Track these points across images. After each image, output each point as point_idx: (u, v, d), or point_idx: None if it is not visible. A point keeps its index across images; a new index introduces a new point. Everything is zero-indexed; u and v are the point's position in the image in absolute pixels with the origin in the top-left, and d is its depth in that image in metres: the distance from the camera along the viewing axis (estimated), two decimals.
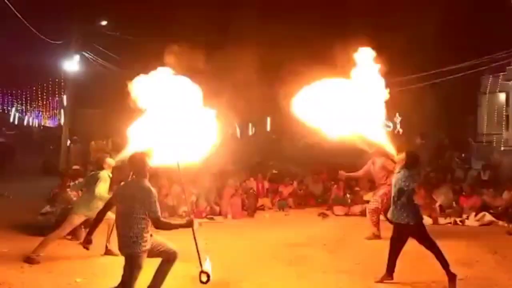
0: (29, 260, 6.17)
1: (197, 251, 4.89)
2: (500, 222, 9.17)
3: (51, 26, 18.32)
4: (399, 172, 5.62)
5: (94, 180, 6.49)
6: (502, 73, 22.84)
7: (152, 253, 4.58)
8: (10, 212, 9.17)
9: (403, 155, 5.66)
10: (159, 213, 4.49)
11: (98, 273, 5.83)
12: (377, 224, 7.98)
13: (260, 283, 5.61)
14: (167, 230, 4.67)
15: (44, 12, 19.70)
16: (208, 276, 4.82)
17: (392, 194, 5.63)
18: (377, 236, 7.87)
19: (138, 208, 4.40)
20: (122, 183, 4.78)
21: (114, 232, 5.01)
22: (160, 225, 4.52)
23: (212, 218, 9.59)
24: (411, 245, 5.65)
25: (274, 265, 6.37)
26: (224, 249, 7.20)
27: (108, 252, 6.63)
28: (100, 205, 6.38)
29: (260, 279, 5.74)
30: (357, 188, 11.06)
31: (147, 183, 4.54)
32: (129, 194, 4.49)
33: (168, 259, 4.76)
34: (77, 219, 6.51)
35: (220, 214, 9.86)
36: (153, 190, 4.54)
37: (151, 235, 4.55)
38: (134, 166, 4.64)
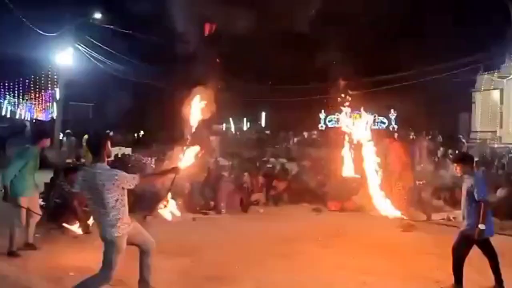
0: (11, 254, 6.15)
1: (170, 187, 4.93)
2: (493, 219, 9.19)
3: (44, 18, 18.16)
4: (465, 177, 5.44)
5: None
6: (496, 71, 22.97)
7: (131, 240, 4.46)
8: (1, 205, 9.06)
9: (458, 167, 5.48)
10: (137, 179, 4.39)
11: (91, 267, 5.77)
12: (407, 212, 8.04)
13: (253, 277, 5.59)
14: (153, 180, 4.69)
15: (38, 3, 19.50)
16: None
17: (462, 200, 5.46)
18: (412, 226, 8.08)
19: (106, 192, 4.22)
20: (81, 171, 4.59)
21: None
22: (145, 182, 4.47)
23: (206, 213, 9.55)
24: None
25: (268, 259, 6.35)
26: (218, 244, 7.18)
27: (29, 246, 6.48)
28: (26, 184, 6.25)
29: (254, 273, 5.72)
30: None
31: (104, 165, 4.35)
32: (92, 181, 4.28)
33: (146, 249, 4.68)
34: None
35: (214, 208, 9.81)
36: (114, 169, 4.37)
37: (131, 220, 4.45)
38: (91, 148, 4.48)
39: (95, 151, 4.43)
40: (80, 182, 4.42)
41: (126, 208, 4.38)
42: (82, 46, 19.26)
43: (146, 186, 9.79)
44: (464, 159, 5.57)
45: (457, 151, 17.10)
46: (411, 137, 19.06)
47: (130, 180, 4.34)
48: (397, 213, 8.52)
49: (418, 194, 9.98)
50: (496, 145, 20.93)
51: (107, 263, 4.31)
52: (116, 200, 4.27)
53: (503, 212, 9.31)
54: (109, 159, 4.55)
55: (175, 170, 4.80)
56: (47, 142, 6.55)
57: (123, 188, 4.31)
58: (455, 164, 5.66)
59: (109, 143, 4.49)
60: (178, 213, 5.14)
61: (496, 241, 7.50)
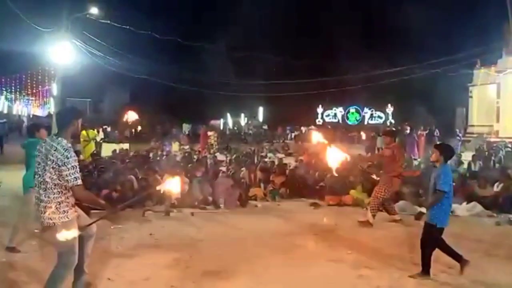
0: (10, 250, 6.05)
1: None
2: (490, 213, 9.26)
3: (41, 13, 18.08)
4: (436, 167, 5.49)
5: None
6: (493, 66, 23.01)
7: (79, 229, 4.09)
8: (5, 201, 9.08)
9: (435, 152, 5.51)
10: (78, 181, 3.87)
11: (94, 261, 5.81)
12: (375, 212, 8.01)
13: (251, 272, 5.61)
14: (89, 204, 4.08)
15: None
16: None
17: (429, 190, 5.51)
18: (370, 224, 7.98)
19: (51, 171, 3.84)
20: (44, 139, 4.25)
21: None
22: (80, 195, 3.93)
23: (204, 208, 9.58)
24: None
25: (266, 254, 6.37)
26: (217, 239, 7.20)
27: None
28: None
29: (252, 268, 5.75)
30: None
31: (65, 142, 3.93)
32: (46, 153, 3.90)
33: (89, 237, 4.37)
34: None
35: (212, 203, 9.83)
36: (72, 152, 3.92)
37: (73, 206, 4.05)
38: (58, 120, 4.17)
39: (60, 125, 4.14)
40: (38, 151, 4.07)
41: (70, 193, 3.97)
42: (79, 42, 19.19)
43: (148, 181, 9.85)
44: (444, 150, 5.55)
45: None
46: (406, 131, 19.12)
47: (71, 176, 3.84)
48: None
49: (416, 188, 10.02)
50: (492, 140, 21.00)
51: (65, 251, 3.99)
52: (56, 185, 3.88)
53: (499, 206, 9.38)
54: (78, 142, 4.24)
55: (113, 210, 4.24)
56: (44, 132, 6.35)
57: (61, 175, 3.86)
58: (434, 149, 5.69)
59: (79, 122, 4.20)
60: None
61: (493, 234, 7.61)
